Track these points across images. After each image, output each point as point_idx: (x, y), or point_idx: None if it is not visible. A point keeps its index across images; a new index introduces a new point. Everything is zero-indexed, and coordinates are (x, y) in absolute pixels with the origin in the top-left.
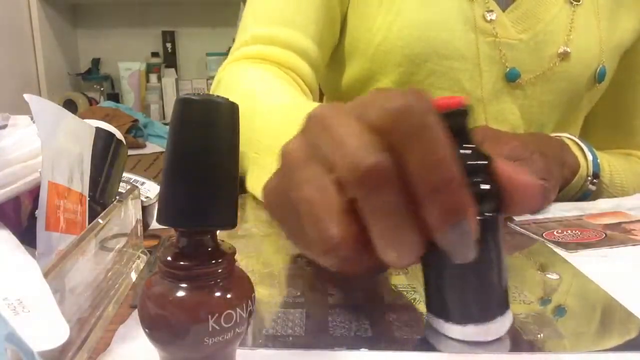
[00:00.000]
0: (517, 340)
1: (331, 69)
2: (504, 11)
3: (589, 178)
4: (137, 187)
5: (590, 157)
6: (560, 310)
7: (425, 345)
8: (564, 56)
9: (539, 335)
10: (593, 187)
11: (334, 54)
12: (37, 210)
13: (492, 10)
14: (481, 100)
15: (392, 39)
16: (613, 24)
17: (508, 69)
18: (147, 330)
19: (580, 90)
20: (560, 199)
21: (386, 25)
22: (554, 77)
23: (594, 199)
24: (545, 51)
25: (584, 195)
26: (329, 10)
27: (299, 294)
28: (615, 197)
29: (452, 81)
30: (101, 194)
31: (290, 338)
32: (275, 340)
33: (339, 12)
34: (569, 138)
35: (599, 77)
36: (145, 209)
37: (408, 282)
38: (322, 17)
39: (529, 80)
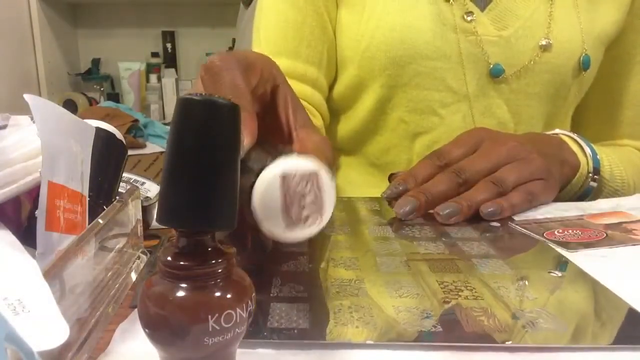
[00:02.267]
0: (519, 336)
1: None
2: (482, 11)
3: (590, 174)
4: (137, 187)
5: (589, 152)
6: (562, 307)
7: (429, 341)
8: (546, 48)
9: (541, 332)
10: (594, 184)
11: None
12: (37, 210)
13: (471, 12)
14: (467, 97)
15: (376, 44)
16: (593, 15)
17: (492, 65)
18: (147, 330)
19: (566, 80)
20: (561, 198)
21: (369, 32)
22: (538, 69)
23: (595, 197)
24: (526, 45)
25: (585, 193)
26: (325, 32)
27: (302, 289)
28: (616, 190)
29: (438, 80)
30: (101, 194)
31: (296, 331)
32: (280, 333)
33: (332, 31)
34: (566, 135)
35: (584, 65)
36: (145, 209)
37: (412, 279)
38: (322, 42)
39: (513, 74)
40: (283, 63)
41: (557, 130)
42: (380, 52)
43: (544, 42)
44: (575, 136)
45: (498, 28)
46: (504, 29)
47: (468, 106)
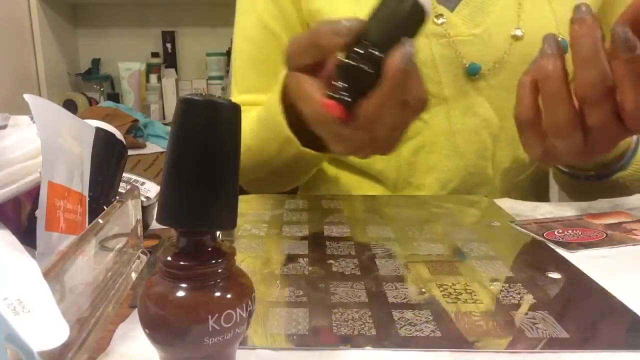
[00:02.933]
0: (519, 338)
1: None
2: (451, 12)
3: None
4: (137, 187)
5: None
6: (561, 309)
7: (429, 343)
8: (518, 38)
9: (541, 334)
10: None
11: None
12: (37, 211)
13: (441, 14)
14: (446, 100)
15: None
16: (568, 0)
17: (467, 65)
18: (147, 330)
19: None
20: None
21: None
22: (513, 61)
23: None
24: (499, 40)
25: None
26: None
27: (301, 293)
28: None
29: None
30: (101, 194)
31: (295, 337)
32: (280, 339)
33: None
34: None
35: (564, 48)
36: (145, 209)
37: (412, 283)
38: None
39: (490, 70)
40: (260, 98)
41: None
42: None
43: (517, 33)
44: None
45: (470, 27)
46: (475, 27)
47: (447, 109)
